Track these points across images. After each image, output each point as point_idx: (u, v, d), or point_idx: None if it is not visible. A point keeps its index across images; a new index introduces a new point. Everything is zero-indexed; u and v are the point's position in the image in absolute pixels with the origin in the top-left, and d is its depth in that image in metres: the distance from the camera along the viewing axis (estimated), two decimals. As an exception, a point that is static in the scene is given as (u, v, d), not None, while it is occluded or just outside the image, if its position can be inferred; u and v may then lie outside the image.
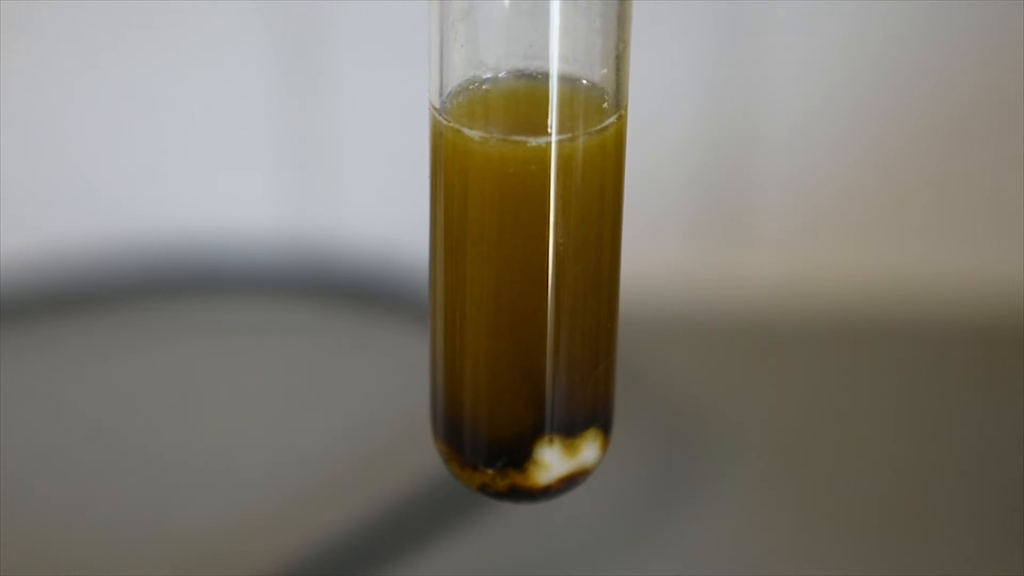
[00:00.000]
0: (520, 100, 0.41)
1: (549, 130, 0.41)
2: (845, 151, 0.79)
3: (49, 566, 0.64)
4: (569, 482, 0.45)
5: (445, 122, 0.42)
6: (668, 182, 0.79)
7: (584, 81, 0.41)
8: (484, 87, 0.41)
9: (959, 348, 0.77)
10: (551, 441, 0.44)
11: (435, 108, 0.42)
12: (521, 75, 0.41)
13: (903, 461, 0.70)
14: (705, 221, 0.80)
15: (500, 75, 0.41)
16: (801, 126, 0.79)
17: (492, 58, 0.41)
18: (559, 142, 0.41)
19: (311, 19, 0.78)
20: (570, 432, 0.44)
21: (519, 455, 0.44)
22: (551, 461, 0.44)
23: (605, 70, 0.42)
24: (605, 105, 0.42)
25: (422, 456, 0.53)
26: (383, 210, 0.80)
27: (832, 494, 0.68)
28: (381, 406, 0.72)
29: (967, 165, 0.80)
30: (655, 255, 0.79)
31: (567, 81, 0.41)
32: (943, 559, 0.65)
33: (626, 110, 0.42)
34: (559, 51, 0.41)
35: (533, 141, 0.41)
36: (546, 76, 0.41)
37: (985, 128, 0.79)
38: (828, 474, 0.69)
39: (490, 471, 0.44)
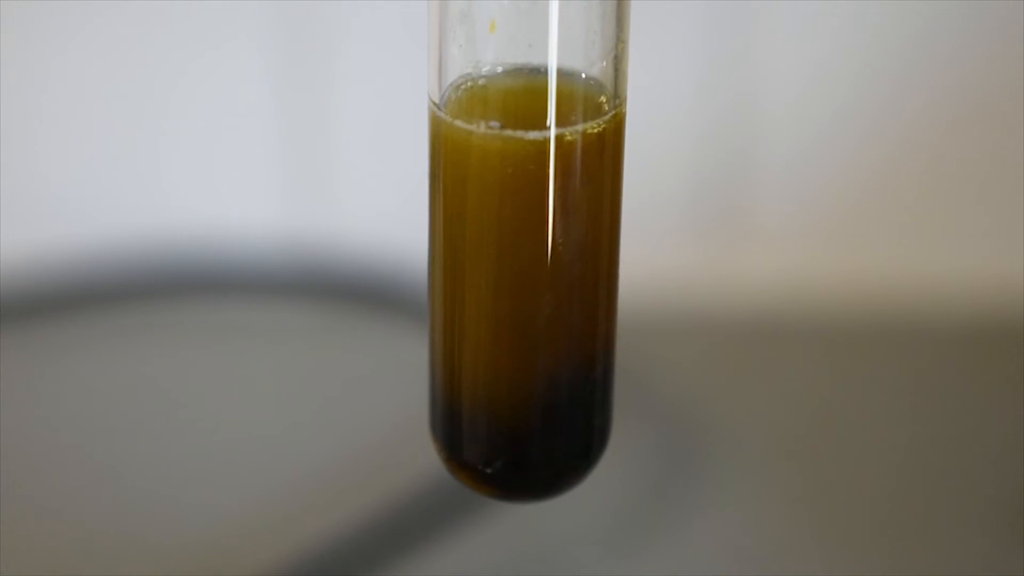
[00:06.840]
0: (519, 95, 0.41)
1: (548, 124, 0.41)
2: (845, 150, 0.79)
3: (49, 566, 0.64)
4: (568, 482, 0.44)
5: (444, 117, 0.41)
6: (667, 180, 0.79)
7: (583, 76, 0.41)
8: (482, 82, 0.41)
9: (959, 348, 0.76)
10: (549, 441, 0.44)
11: (434, 103, 0.42)
12: (519, 70, 0.41)
13: (903, 460, 0.70)
14: (704, 218, 0.80)
15: (498, 70, 0.41)
16: (801, 125, 0.79)
17: (491, 55, 0.41)
18: (557, 137, 0.41)
19: (311, 18, 0.78)
20: (568, 431, 0.44)
21: (517, 455, 0.44)
22: (549, 461, 0.44)
23: (604, 64, 0.42)
24: (603, 100, 0.42)
25: (421, 456, 0.53)
26: (383, 209, 0.80)
27: (832, 493, 0.68)
28: (380, 406, 0.72)
29: (967, 165, 0.80)
30: (654, 252, 0.79)
31: (566, 76, 0.41)
32: (943, 559, 0.65)
33: (625, 105, 0.42)
34: (557, 50, 0.41)
35: (532, 135, 0.41)
36: (544, 71, 0.41)
37: (985, 127, 0.79)
38: (828, 473, 0.69)
39: (489, 471, 0.44)
